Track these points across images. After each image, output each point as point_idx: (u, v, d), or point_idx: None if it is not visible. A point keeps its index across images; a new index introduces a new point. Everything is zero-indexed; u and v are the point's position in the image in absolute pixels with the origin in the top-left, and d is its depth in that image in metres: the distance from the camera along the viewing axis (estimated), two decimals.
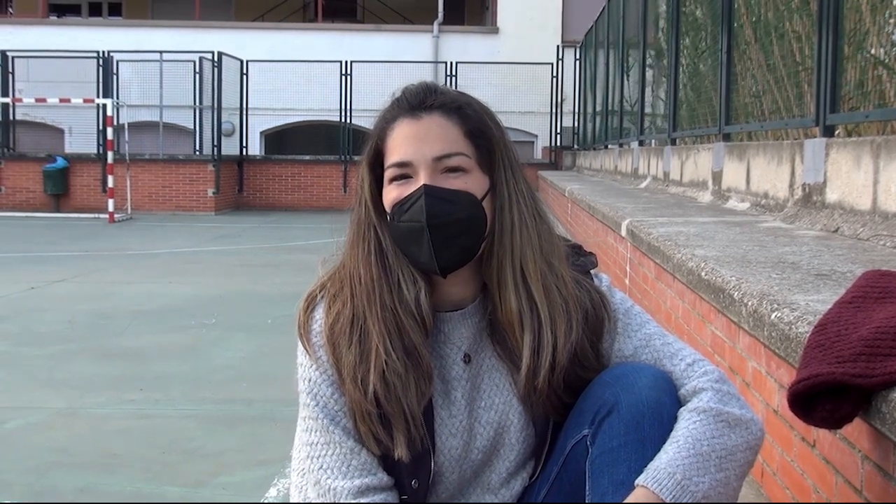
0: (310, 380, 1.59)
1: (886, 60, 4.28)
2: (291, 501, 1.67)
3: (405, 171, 1.55)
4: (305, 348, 1.60)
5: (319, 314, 1.61)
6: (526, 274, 1.56)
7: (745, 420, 1.50)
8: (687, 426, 1.47)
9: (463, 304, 1.62)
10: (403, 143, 1.55)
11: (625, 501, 1.40)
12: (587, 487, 1.48)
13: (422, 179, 1.53)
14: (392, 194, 1.55)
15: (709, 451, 1.43)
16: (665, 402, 1.49)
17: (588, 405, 1.54)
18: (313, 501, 1.58)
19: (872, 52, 4.36)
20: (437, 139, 1.54)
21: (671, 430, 1.47)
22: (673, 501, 1.38)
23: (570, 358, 1.57)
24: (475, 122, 1.58)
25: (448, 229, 1.52)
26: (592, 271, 1.71)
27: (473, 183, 1.55)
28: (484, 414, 1.61)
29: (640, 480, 1.41)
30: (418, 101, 1.57)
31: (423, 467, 1.56)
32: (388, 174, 1.57)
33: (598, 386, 1.55)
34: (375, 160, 1.60)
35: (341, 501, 1.53)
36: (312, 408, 1.58)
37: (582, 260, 1.72)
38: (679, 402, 1.53)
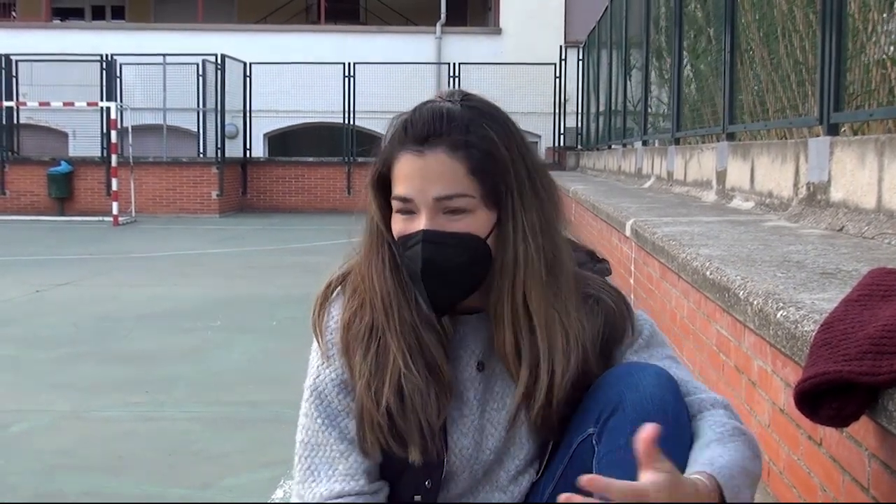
0: (317, 376, 1.59)
1: (893, 54, 4.27)
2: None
3: (408, 207, 1.51)
4: (318, 341, 1.60)
5: (336, 309, 1.60)
6: (529, 307, 1.54)
7: (760, 455, 1.53)
8: (727, 438, 1.47)
9: (480, 310, 1.61)
10: (406, 179, 1.51)
11: (692, 476, 1.37)
12: None
13: (422, 220, 1.50)
14: (398, 226, 1.54)
15: (750, 471, 1.45)
16: (669, 401, 1.49)
17: (592, 404, 1.54)
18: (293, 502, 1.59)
19: (875, 50, 4.35)
20: (438, 179, 1.49)
21: (676, 428, 1.47)
22: (728, 502, 1.37)
23: (573, 385, 1.55)
24: (480, 158, 1.51)
25: (445, 275, 1.50)
26: None
27: (477, 223, 1.51)
28: (496, 415, 1.61)
29: (707, 469, 1.38)
30: (424, 135, 1.50)
31: (437, 467, 1.56)
32: (394, 204, 1.54)
33: (602, 385, 1.56)
34: (383, 184, 1.56)
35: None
36: (313, 404, 1.59)
37: (598, 266, 1.70)
38: (683, 401, 1.53)
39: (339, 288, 1.63)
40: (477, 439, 1.59)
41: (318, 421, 1.57)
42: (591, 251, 1.73)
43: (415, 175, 1.50)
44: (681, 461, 1.42)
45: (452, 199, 1.49)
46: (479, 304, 1.59)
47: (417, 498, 1.56)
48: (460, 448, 1.58)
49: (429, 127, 1.50)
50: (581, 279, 1.62)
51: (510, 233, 1.52)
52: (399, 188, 1.52)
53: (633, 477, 1.43)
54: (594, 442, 1.50)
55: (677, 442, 1.46)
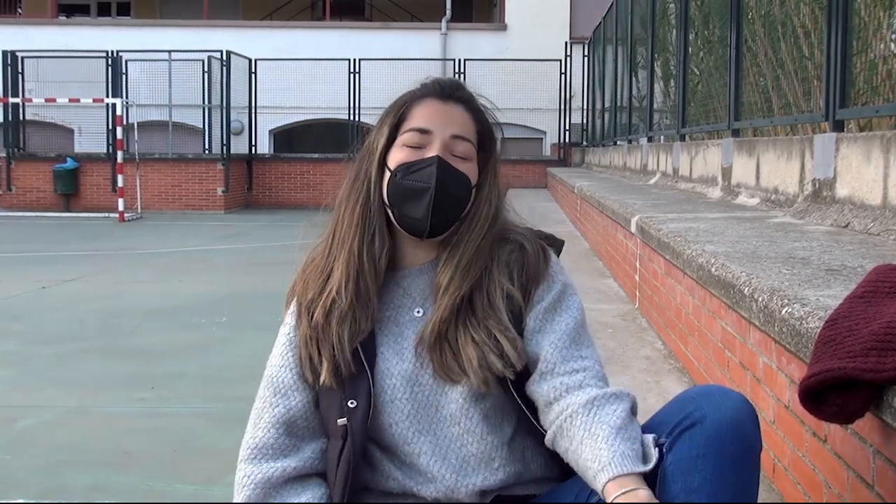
0: (276, 343, 1.84)
1: None
2: None
3: (421, 140, 1.75)
4: (285, 309, 1.85)
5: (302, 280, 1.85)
6: (470, 257, 1.75)
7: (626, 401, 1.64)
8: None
9: (419, 265, 1.82)
10: (429, 115, 1.77)
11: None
12: (656, 491, 1.48)
13: (435, 151, 1.74)
14: (401, 155, 1.76)
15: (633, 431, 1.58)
16: (748, 429, 1.50)
17: (670, 416, 1.55)
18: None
19: (881, 46, 4.34)
20: (457, 123, 1.77)
21: (751, 457, 1.48)
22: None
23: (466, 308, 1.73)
24: (487, 127, 1.83)
25: (446, 199, 1.73)
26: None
27: (471, 171, 1.78)
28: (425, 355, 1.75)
29: (603, 479, 1.47)
30: (450, 90, 1.80)
31: (362, 389, 1.71)
32: (404, 137, 1.77)
33: (682, 400, 1.58)
34: (395, 124, 1.78)
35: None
36: (268, 361, 1.83)
37: (547, 234, 1.90)
38: (759, 430, 1.53)
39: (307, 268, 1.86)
40: (416, 364, 1.73)
41: (264, 380, 1.83)
42: (549, 234, 1.91)
43: (437, 114, 1.77)
44: (750, 488, 1.47)
45: (464, 141, 1.77)
46: (426, 257, 1.81)
47: (342, 421, 1.70)
48: (400, 371, 1.73)
49: (454, 87, 1.82)
50: (507, 229, 1.83)
51: (484, 195, 1.80)
52: (419, 121, 1.76)
53: (699, 487, 1.45)
54: (664, 450, 1.51)
55: (751, 468, 1.48)
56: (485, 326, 1.71)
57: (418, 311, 1.77)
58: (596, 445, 1.51)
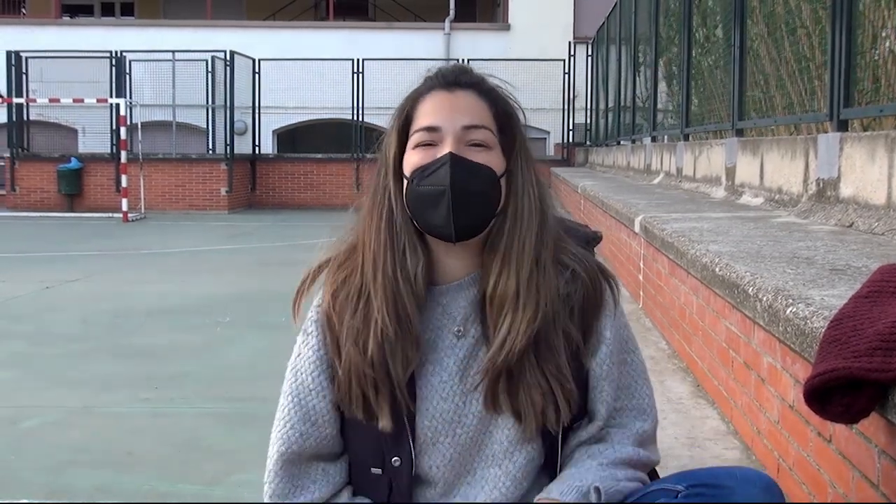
0: (297, 354, 1.67)
1: None
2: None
3: (432, 138, 1.59)
4: (294, 317, 1.68)
5: (318, 289, 1.68)
6: (530, 266, 1.58)
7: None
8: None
9: (459, 278, 1.65)
10: (435, 110, 1.61)
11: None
12: None
13: (448, 147, 1.57)
14: (414, 158, 1.59)
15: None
16: None
17: (707, 475, 1.51)
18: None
19: (885, 45, 4.34)
20: (468, 112, 1.60)
21: None
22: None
23: (537, 343, 1.58)
24: (503, 106, 1.65)
25: (468, 197, 1.55)
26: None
27: (494, 160, 1.60)
28: (479, 379, 1.60)
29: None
30: (454, 78, 1.65)
31: (404, 441, 1.58)
32: (414, 139, 1.61)
33: (730, 471, 1.52)
34: (403, 127, 1.64)
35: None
36: (289, 382, 1.67)
37: (584, 231, 1.76)
38: None
39: (322, 269, 1.70)
40: (458, 403, 1.60)
41: (290, 398, 1.66)
42: (587, 232, 1.77)
43: (444, 107, 1.60)
44: None
45: (479, 129, 1.59)
46: (465, 269, 1.64)
47: (376, 471, 1.60)
48: (441, 412, 1.60)
49: (459, 73, 1.66)
50: (561, 245, 1.66)
51: (519, 184, 1.62)
52: (426, 119, 1.60)
53: None
54: (675, 497, 1.48)
55: None
56: (541, 369, 1.57)
57: (458, 331, 1.62)
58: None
